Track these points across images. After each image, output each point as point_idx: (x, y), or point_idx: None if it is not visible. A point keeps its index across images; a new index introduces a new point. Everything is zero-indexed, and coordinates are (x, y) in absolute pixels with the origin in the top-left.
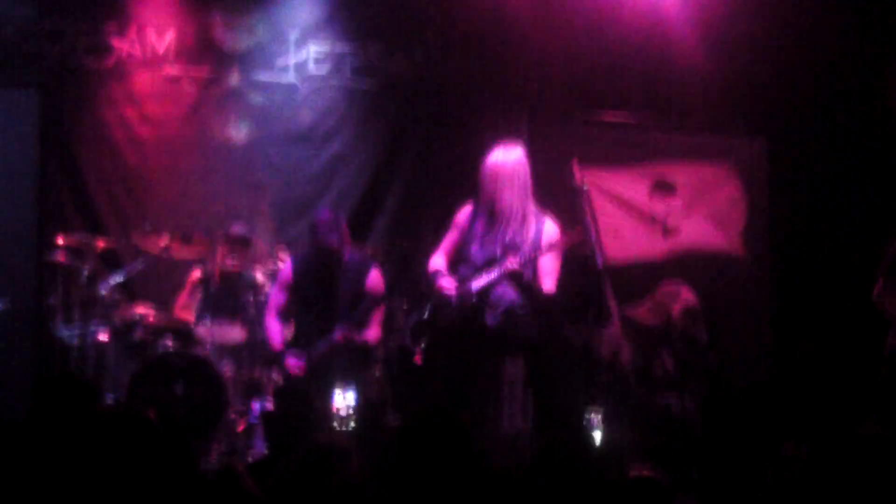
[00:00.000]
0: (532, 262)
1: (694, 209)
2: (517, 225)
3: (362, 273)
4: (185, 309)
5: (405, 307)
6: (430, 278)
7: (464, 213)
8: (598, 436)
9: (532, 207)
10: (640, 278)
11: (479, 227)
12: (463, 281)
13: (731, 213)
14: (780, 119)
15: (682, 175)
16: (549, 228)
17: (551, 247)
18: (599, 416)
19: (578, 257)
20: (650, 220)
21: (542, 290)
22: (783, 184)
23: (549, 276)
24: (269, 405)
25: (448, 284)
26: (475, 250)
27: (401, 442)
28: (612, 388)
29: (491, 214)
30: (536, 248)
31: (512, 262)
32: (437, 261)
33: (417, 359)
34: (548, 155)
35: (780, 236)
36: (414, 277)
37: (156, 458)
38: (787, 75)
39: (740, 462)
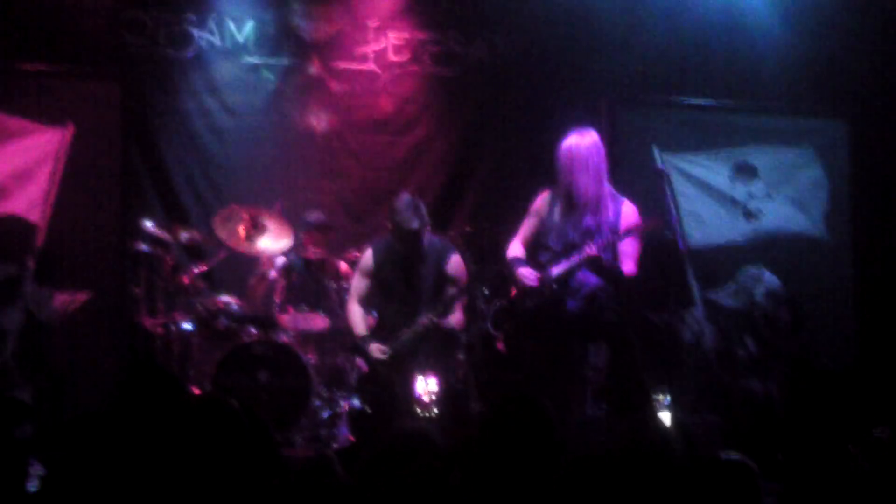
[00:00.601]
0: (611, 247)
1: (776, 192)
2: (594, 209)
3: (443, 258)
4: (268, 298)
5: (486, 293)
6: (510, 266)
7: (541, 199)
8: (667, 419)
9: (608, 190)
10: (722, 262)
11: (557, 212)
12: (543, 268)
13: (813, 195)
14: (862, 101)
15: (765, 158)
16: (627, 210)
17: (630, 231)
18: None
19: (660, 241)
20: (732, 203)
21: (622, 272)
22: (865, 166)
23: (629, 258)
24: (356, 402)
25: (528, 273)
26: (553, 236)
27: (484, 428)
28: (695, 372)
29: (568, 199)
30: (615, 232)
31: (591, 248)
32: (516, 248)
33: (500, 346)
34: (628, 140)
35: (862, 219)
36: (495, 264)
37: (240, 447)
38: (870, 57)
39: (825, 446)
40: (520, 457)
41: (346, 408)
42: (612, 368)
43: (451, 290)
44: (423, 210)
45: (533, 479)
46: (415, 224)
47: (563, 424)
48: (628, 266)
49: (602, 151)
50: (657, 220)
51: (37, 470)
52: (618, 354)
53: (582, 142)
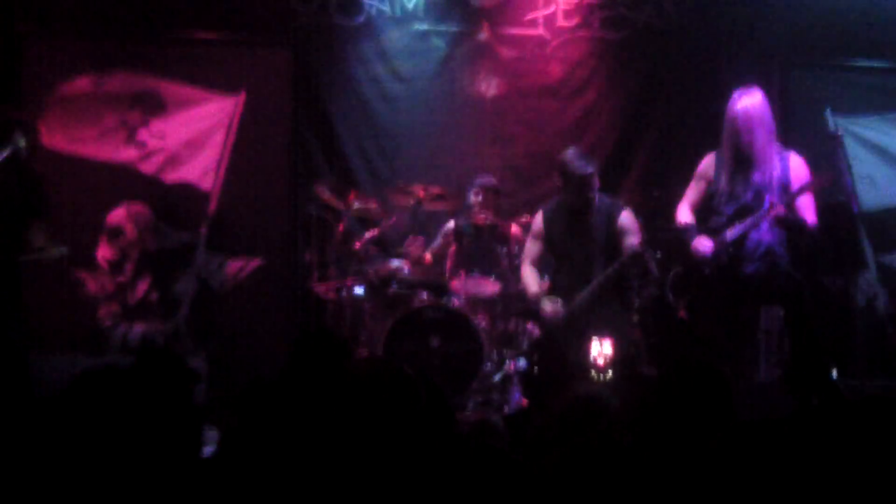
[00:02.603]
0: (789, 204)
1: None
2: (765, 167)
3: (613, 213)
4: (439, 262)
5: (658, 257)
6: (683, 234)
7: (707, 162)
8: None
9: (776, 147)
10: (895, 225)
11: (725, 175)
12: (716, 233)
13: None
14: None
15: None
16: (796, 163)
17: (803, 188)
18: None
19: (834, 205)
20: None
21: (808, 224)
22: None
23: (808, 210)
24: (522, 363)
25: (704, 243)
26: (724, 199)
27: (660, 393)
28: (869, 336)
29: (738, 160)
30: (787, 189)
31: (779, 207)
32: (685, 213)
33: (682, 315)
34: (801, 103)
35: None
36: (667, 228)
37: (414, 412)
38: None
39: None
40: (695, 421)
41: (517, 371)
42: (788, 332)
43: (632, 240)
44: (593, 160)
45: (707, 444)
46: (589, 168)
47: (736, 388)
48: (810, 217)
49: (769, 108)
50: (829, 174)
51: (211, 436)
52: (793, 318)
53: (752, 101)
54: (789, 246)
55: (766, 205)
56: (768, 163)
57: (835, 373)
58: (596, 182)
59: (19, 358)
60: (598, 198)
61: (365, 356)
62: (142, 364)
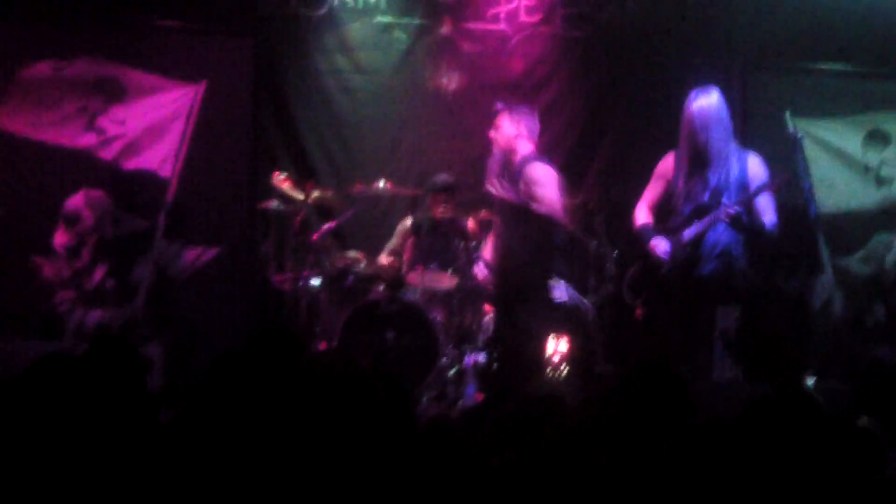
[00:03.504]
0: (746, 204)
1: None
2: (722, 167)
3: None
4: (394, 257)
5: (615, 256)
6: (640, 235)
7: (666, 162)
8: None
9: (734, 146)
10: (852, 228)
11: (683, 174)
12: (673, 233)
13: None
14: None
15: None
16: (754, 163)
17: (760, 189)
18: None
19: (792, 207)
20: (864, 170)
21: (764, 226)
22: None
23: (767, 211)
24: (482, 358)
25: (660, 243)
26: (682, 199)
27: (617, 391)
28: (824, 339)
29: (695, 160)
30: (745, 190)
31: (731, 207)
32: (643, 214)
33: (639, 314)
34: (761, 104)
35: None
36: (625, 226)
37: (369, 407)
38: None
39: None
40: (651, 420)
41: (475, 365)
42: (744, 331)
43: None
44: None
45: (664, 443)
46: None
47: (692, 388)
48: (769, 218)
49: (726, 108)
50: (786, 175)
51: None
52: (749, 319)
53: (709, 100)
54: (746, 246)
55: (724, 203)
56: (725, 163)
57: (811, 380)
58: None
59: None
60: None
61: (322, 350)
62: (95, 351)
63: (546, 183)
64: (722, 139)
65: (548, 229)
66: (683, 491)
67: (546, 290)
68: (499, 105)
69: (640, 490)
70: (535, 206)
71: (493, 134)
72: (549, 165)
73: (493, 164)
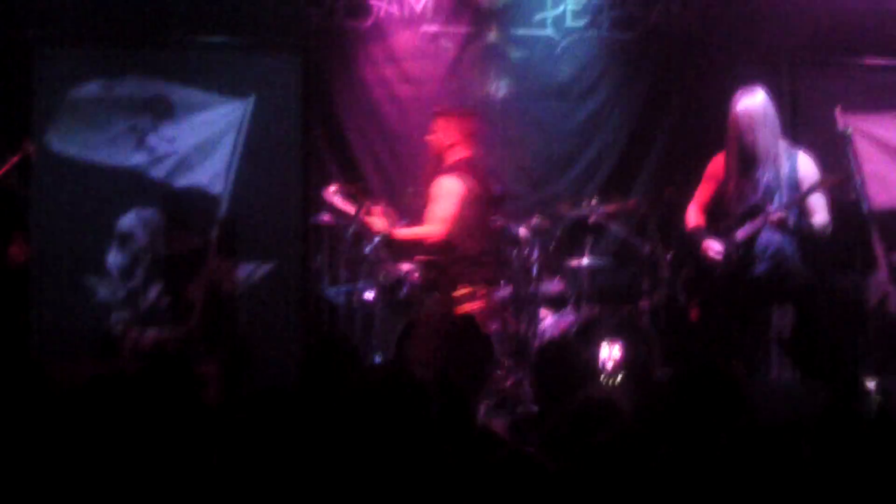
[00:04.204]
0: (795, 204)
1: None
2: (772, 166)
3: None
4: None
5: (670, 258)
6: (693, 237)
7: (716, 163)
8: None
9: (783, 145)
10: None
11: (734, 175)
12: (726, 234)
13: None
14: None
15: None
16: (804, 162)
17: (812, 189)
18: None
19: (844, 204)
20: None
21: (813, 227)
22: None
23: (819, 211)
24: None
25: (713, 244)
26: (733, 200)
27: (672, 395)
28: (881, 335)
29: (744, 160)
30: (796, 190)
31: (774, 212)
32: (695, 215)
33: (693, 315)
34: (810, 102)
35: None
36: (678, 230)
37: (425, 418)
38: None
39: None
40: (708, 423)
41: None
42: (800, 332)
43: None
44: None
45: (721, 446)
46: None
47: (748, 390)
48: (820, 218)
49: (773, 106)
50: (839, 174)
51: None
52: (804, 319)
53: (754, 100)
54: (799, 246)
55: (769, 208)
56: (775, 162)
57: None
58: None
59: (33, 364)
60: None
61: (378, 362)
62: (150, 369)
63: (440, 198)
64: (769, 139)
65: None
66: (738, 495)
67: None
68: (435, 109)
69: (696, 494)
70: (396, 232)
71: (428, 138)
72: (458, 179)
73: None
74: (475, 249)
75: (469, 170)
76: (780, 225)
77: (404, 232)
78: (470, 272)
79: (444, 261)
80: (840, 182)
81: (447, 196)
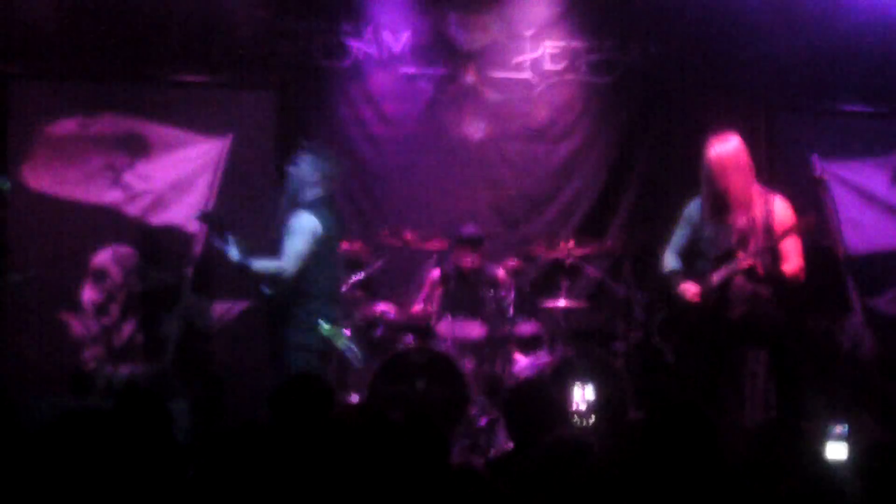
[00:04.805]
0: (768, 250)
1: None
2: (746, 210)
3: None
4: (424, 307)
5: (644, 301)
6: (669, 280)
7: (691, 207)
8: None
9: (757, 189)
10: (882, 269)
11: (709, 219)
12: (702, 277)
13: None
14: None
15: None
16: (780, 206)
17: (786, 232)
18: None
19: (820, 248)
20: (891, 210)
21: (784, 274)
22: None
23: (792, 256)
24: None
25: (690, 287)
26: (708, 243)
27: (645, 436)
28: (854, 379)
29: (718, 205)
30: (770, 234)
31: (745, 259)
32: (671, 259)
33: (669, 356)
34: (787, 147)
35: None
36: (654, 272)
37: (400, 457)
38: None
39: None
40: (681, 465)
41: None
42: (773, 376)
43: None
44: None
45: (694, 488)
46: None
47: (722, 432)
48: (793, 265)
49: (746, 151)
50: (812, 217)
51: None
52: (778, 362)
53: (726, 146)
54: (774, 289)
55: (739, 255)
56: (749, 206)
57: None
58: None
59: (4, 399)
60: None
61: (353, 402)
62: (122, 405)
63: (292, 234)
64: (742, 184)
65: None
66: None
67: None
68: (304, 144)
69: None
70: (252, 264)
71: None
72: (311, 215)
73: None
74: (329, 287)
75: (326, 207)
76: (750, 272)
77: (258, 264)
78: (327, 309)
79: (295, 296)
80: (812, 226)
81: (301, 233)
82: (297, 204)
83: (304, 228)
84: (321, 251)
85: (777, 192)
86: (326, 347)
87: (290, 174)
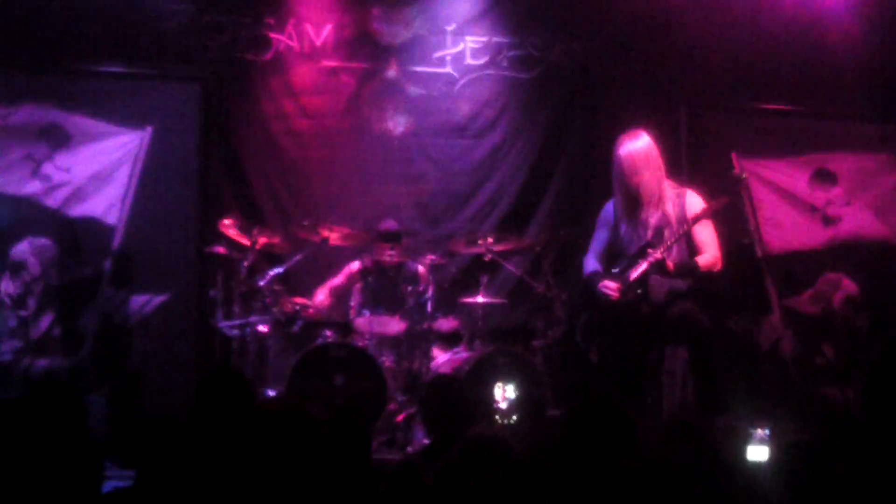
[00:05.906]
0: (682, 239)
1: (855, 198)
2: (659, 206)
3: (682, 201)
4: (340, 301)
5: (565, 298)
6: (590, 281)
7: (606, 210)
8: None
9: (669, 184)
10: (800, 268)
11: (623, 218)
12: (621, 274)
13: (893, 202)
14: None
15: (844, 164)
16: (693, 199)
17: (698, 217)
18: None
19: (739, 247)
20: (810, 209)
21: (698, 265)
22: None
23: (708, 246)
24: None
25: (609, 285)
26: (626, 242)
27: (564, 432)
28: (773, 379)
29: (631, 203)
30: (683, 223)
31: (653, 256)
32: (591, 262)
33: (593, 356)
34: (707, 145)
35: None
36: (575, 268)
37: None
38: None
39: None
40: (600, 460)
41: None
42: (691, 373)
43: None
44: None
45: (612, 484)
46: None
47: (640, 428)
48: (709, 254)
49: (657, 148)
50: (722, 199)
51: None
52: (697, 359)
53: (636, 143)
54: (694, 286)
55: (649, 251)
56: (662, 202)
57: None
58: None
59: None
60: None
61: (271, 396)
62: (34, 396)
63: None
64: (653, 181)
65: None
66: None
67: None
68: None
69: None
70: None
71: None
72: None
73: None
74: None
75: None
76: (659, 267)
77: None
78: None
79: None
80: (720, 206)
81: None
82: None
83: None
84: None
85: (690, 186)
86: None
87: None
